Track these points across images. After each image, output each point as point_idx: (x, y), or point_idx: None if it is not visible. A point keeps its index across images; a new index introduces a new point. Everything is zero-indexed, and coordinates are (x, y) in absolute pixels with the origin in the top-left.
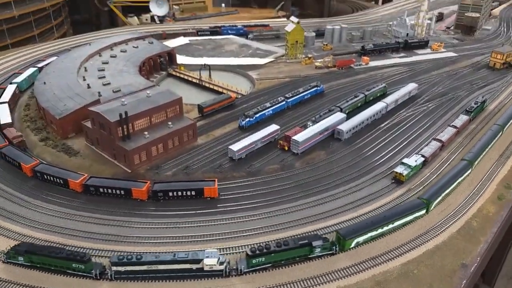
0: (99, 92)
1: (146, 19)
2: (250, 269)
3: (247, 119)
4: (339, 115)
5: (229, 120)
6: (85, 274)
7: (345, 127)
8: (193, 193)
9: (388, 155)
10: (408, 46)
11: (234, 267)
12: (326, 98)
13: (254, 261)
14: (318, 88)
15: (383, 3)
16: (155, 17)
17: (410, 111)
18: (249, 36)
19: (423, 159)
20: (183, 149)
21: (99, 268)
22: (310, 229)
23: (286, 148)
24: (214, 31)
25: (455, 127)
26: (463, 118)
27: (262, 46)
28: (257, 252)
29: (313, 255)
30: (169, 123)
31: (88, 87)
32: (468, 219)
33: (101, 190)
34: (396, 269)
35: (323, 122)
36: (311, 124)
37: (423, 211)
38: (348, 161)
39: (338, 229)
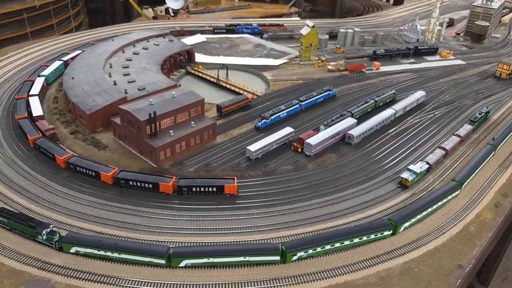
0: (125, 90)
1: (161, 11)
2: None
3: (263, 121)
4: (350, 120)
5: (245, 120)
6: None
7: (355, 132)
8: (214, 189)
9: (395, 161)
10: (418, 52)
11: None
12: (338, 102)
13: None
14: (331, 92)
15: (394, 3)
16: (170, 10)
17: (417, 118)
18: (263, 36)
19: (427, 166)
20: (204, 147)
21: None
22: (320, 227)
23: (300, 150)
24: (230, 29)
25: (459, 136)
26: (467, 127)
27: (276, 47)
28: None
29: (39, 240)
30: (192, 122)
31: (115, 84)
32: (466, 224)
33: (130, 183)
34: (398, 267)
35: (335, 127)
36: (323, 128)
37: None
38: (357, 164)
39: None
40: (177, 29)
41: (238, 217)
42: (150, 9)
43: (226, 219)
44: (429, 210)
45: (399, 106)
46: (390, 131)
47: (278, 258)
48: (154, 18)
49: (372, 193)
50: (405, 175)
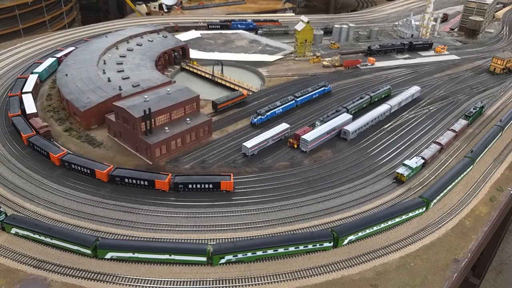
0: (120, 87)
1: (154, 7)
2: None
3: (259, 117)
4: (346, 116)
5: (241, 116)
6: None
7: (351, 127)
8: (210, 186)
9: (391, 156)
10: (413, 48)
11: None
12: (333, 97)
13: None
14: (326, 88)
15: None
16: (163, 6)
17: (412, 113)
18: (258, 32)
19: (423, 161)
20: (199, 143)
21: None
22: (317, 223)
23: (296, 146)
24: (224, 25)
25: (454, 131)
26: (462, 122)
27: (271, 43)
28: None
29: None
30: (187, 119)
31: (109, 80)
32: (462, 218)
33: (126, 180)
34: (395, 262)
35: (331, 122)
36: (319, 124)
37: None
38: (353, 160)
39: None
40: (171, 25)
41: (234, 214)
42: (144, 5)
43: (222, 216)
44: (383, 225)
45: (394, 101)
46: (385, 126)
47: (204, 259)
48: (148, 14)
49: (368, 189)
50: (400, 170)
